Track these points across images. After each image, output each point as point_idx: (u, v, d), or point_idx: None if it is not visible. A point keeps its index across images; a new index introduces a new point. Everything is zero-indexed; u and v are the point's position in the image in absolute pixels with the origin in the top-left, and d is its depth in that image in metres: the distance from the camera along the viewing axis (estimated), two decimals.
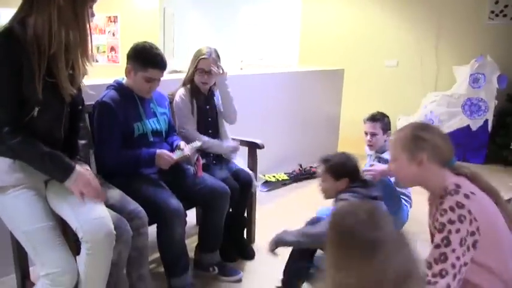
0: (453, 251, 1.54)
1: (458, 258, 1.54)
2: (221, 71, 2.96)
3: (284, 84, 5.07)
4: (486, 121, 5.69)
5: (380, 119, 3.32)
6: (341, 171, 2.41)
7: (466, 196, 1.60)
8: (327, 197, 2.51)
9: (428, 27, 6.28)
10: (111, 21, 8.29)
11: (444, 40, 6.24)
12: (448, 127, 5.82)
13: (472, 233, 1.56)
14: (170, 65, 3.04)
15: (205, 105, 3.02)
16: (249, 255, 3.08)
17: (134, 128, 2.49)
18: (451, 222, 1.56)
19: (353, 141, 5.97)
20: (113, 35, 8.32)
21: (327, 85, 5.86)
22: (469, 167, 1.78)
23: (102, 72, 2.30)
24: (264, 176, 4.60)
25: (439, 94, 5.95)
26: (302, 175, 4.95)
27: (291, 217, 3.73)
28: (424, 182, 1.78)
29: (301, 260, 2.53)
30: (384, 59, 6.66)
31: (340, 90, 6.17)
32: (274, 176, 4.68)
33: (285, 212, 3.98)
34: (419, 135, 1.73)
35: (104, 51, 8.43)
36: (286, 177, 4.77)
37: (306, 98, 5.44)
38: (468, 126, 5.77)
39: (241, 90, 4.29)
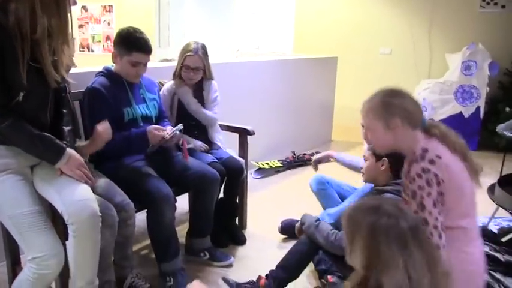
0: (430, 213, 1.63)
1: (436, 218, 1.63)
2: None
3: (278, 71, 5.09)
4: (478, 108, 5.72)
5: None
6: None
7: (431, 161, 1.66)
8: (367, 178, 2.50)
9: (421, 15, 6.30)
10: (106, 11, 8.27)
11: (437, 28, 6.26)
12: (440, 114, 5.87)
13: (441, 193, 1.65)
14: (165, 53, 3.06)
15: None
16: (240, 240, 3.11)
17: (124, 113, 2.52)
18: (420, 188, 1.64)
19: (347, 128, 6.03)
20: (108, 24, 8.30)
21: (320, 73, 5.89)
22: (439, 126, 1.80)
23: (97, 62, 2.32)
24: (257, 163, 4.63)
25: (432, 81, 5.98)
26: (295, 162, 4.97)
27: (284, 204, 3.79)
28: (400, 147, 1.82)
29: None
30: (378, 47, 6.67)
31: (334, 77, 6.20)
32: (267, 163, 4.71)
33: (278, 198, 4.01)
34: (390, 101, 1.76)
35: (100, 41, 8.42)
36: (279, 165, 4.80)
37: (300, 85, 5.46)
38: (461, 113, 5.81)
39: (235, 78, 4.34)
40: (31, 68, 1.79)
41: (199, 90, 3.07)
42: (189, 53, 2.91)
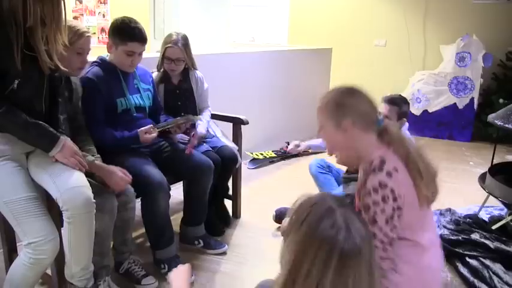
0: (380, 229, 1.59)
1: (386, 234, 1.59)
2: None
3: (272, 62, 5.11)
4: (472, 99, 5.76)
5: (398, 104, 3.04)
6: None
7: (389, 174, 1.58)
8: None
9: (416, 7, 6.31)
10: (101, 3, 8.23)
11: (432, 19, 6.28)
12: (435, 105, 5.91)
13: (398, 208, 1.59)
14: (159, 46, 3.05)
15: (175, 89, 3.02)
16: (226, 221, 3.18)
17: (117, 103, 2.53)
18: (375, 203, 1.58)
19: None
20: (103, 16, 8.27)
21: (315, 64, 5.91)
22: (393, 132, 1.70)
23: (92, 54, 2.33)
24: (252, 153, 4.66)
25: (426, 73, 6.01)
26: (289, 153, 4.99)
27: (278, 194, 3.82)
28: (352, 149, 1.72)
29: None
30: (373, 39, 6.69)
31: (329, 69, 6.21)
32: (261, 154, 4.74)
33: (272, 188, 4.04)
34: (343, 101, 1.69)
35: (95, 33, 8.38)
36: (273, 155, 4.84)
37: (294, 76, 5.48)
38: (455, 104, 5.84)
39: (230, 69, 4.35)
40: (26, 56, 1.80)
41: (185, 81, 3.05)
42: (169, 45, 2.89)
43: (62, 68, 1.98)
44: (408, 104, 3.15)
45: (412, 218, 1.64)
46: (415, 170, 1.64)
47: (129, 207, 2.35)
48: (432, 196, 1.68)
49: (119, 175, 2.21)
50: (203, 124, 3.00)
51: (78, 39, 2.17)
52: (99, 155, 2.28)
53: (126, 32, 2.47)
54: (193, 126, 2.81)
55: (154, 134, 2.52)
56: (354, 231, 1.09)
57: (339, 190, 2.86)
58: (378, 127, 1.69)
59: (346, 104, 1.67)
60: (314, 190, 3.09)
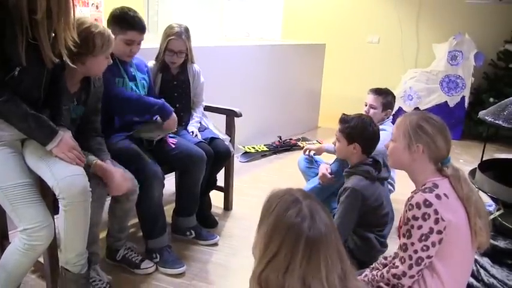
0: (412, 244, 1.64)
1: (416, 251, 1.64)
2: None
3: (265, 57, 5.12)
4: (463, 98, 5.80)
5: (383, 94, 3.21)
6: (354, 136, 2.43)
7: (438, 196, 1.63)
8: (339, 156, 2.61)
9: (409, 4, 6.34)
10: None
11: (425, 17, 6.32)
12: (426, 103, 5.94)
13: (439, 232, 1.62)
14: (153, 38, 3.05)
15: (173, 80, 3.02)
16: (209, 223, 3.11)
17: (116, 81, 2.55)
18: (414, 218, 1.63)
19: (333, 115, 6.06)
20: (97, 7, 8.21)
21: (308, 59, 5.92)
22: (455, 171, 1.74)
23: None
24: (244, 147, 4.68)
25: (419, 71, 6.04)
26: (281, 147, 5.04)
27: (270, 187, 3.83)
28: (411, 170, 1.80)
29: None
30: (366, 35, 6.71)
31: (322, 64, 6.23)
32: (253, 147, 4.76)
33: (264, 182, 4.06)
34: (423, 127, 1.73)
35: None
36: (265, 149, 4.86)
37: (287, 71, 5.50)
38: (446, 102, 5.88)
39: (223, 62, 4.36)
40: (30, 44, 1.80)
41: (183, 73, 3.05)
42: (172, 37, 2.87)
43: (71, 64, 1.98)
44: (394, 96, 3.29)
45: (452, 252, 1.67)
46: (472, 209, 1.68)
47: (132, 198, 2.38)
48: (484, 238, 1.71)
49: (120, 180, 2.21)
50: (194, 124, 3.03)
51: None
52: (109, 153, 2.32)
53: (126, 21, 2.48)
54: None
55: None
56: (318, 220, 1.17)
57: (313, 182, 2.98)
58: (443, 164, 1.74)
59: (425, 130, 1.73)
60: (304, 183, 3.14)
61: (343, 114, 2.55)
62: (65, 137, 1.96)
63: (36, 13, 1.75)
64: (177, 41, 2.87)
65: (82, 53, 2.06)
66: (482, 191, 2.86)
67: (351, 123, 2.46)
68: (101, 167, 2.17)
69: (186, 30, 2.92)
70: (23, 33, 1.76)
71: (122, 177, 2.22)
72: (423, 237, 1.62)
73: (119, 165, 2.32)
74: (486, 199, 3.11)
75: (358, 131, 2.44)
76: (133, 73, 2.68)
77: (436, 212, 1.61)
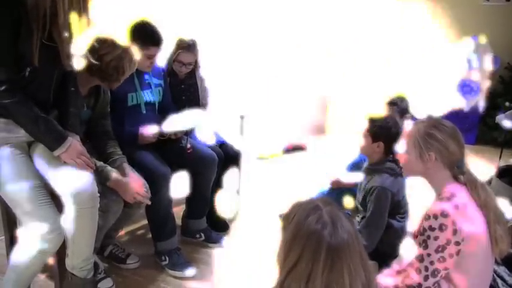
0: (428, 255, 1.61)
1: (432, 262, 1.61)
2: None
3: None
4: (478, 102, 5.72)
5: (396, 103, 3.22)
6: (379, 135, 2.45)
7: (456, 207, 1.60)
8: (361, 152, 2.59)
9: (423, 6, 6.26)
10: None
11: (439, 20, 6.23)
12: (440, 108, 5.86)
13: (456, 243, 1.59)
14: None
15: (181, 84, 3.01)
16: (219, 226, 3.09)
17: (128, 97, 2.55)
18: (431, 229, 1.60)
19: (341, 118, 6.01)
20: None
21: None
22: (472, 177, 1.72)
23: None
24: (254, 149, 4.64)
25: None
26: (292, 150, 5.03)
27: (280, 190, 3.81)
28: (427, 178, 1.78)
29: None
30: None
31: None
32: (264, 150, 4.73)
33: (273, 183, 4.02)
34: (432, 134, 1.71)
35: None
36: (278, 154, 4.85)
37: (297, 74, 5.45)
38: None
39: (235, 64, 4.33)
40: (43, 45, 1.78)
41: (190, 77, 3.05)
42: (183, 50, 2.88)
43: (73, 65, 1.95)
44: (406, 100, 3.28)
45: (471, 263, 1.63)
46: (491, 215, 1.66)
47: (142, 205, 2.39)
48: (505, 245, 1.68)
49: (134, 192, 2.24)
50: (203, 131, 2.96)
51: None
52: (124, 155, 2.34)
53: (148, 37, 2.47)
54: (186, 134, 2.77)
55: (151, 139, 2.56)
56: (340, 227, 1.14)
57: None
58: (459, 169, 1.72)
59: (434, 137, 1.71)
60: (314, 186, 3.08)
61: (370, 115, 2.56)
62: (74, 142, 1.93)
63: (57, 15, 1.73)
64: (186, 54, 2.89)
65: (106, 76, 2.13)
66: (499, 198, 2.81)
67: (378, 122, 2.48)
68: (116, 182, 2.21)
69: (195, 43, 2.94)
70: (38, 33, 1.74)
71: (137, 187, 2.25)
72: (440, 249, 1.59)
73: (133, 170, 2.33)
74: (504, 206, 3.07)
75: (384, 131, 2.45)
76: (148, 80, 2.68)
77: (453, 222, 1.58)
